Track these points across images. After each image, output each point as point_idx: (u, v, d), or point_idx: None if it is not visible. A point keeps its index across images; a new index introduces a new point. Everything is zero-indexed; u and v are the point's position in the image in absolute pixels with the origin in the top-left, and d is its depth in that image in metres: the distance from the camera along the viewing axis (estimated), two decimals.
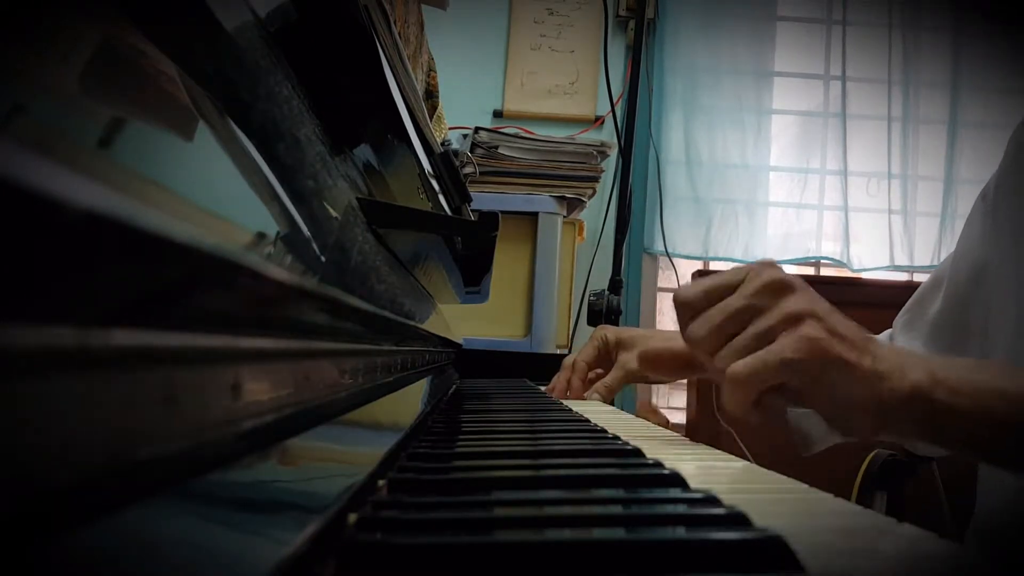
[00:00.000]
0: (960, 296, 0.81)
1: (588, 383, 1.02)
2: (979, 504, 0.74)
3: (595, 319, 1.61)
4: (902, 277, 2.40)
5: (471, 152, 1.85)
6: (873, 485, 1.13)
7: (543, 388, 1.08)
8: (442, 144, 1.02)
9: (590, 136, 2.26)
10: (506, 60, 2.40)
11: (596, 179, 1.92)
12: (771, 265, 0.57)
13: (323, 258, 0.34)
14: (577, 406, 0.83)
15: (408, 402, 0.58)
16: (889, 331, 0.89)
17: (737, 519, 0.26)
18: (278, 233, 0.28)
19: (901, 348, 0.57)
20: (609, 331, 1.04)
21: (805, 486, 0.40)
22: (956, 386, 0.51)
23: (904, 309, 0.90)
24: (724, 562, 0.23)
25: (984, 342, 0.76)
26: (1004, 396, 0.50)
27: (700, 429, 1.81)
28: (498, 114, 2.37)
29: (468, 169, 1.79)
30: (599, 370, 1.04)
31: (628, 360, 0.99)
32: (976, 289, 0.79)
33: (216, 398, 0.20)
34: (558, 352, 1.84)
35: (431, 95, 1.22)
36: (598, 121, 2.38)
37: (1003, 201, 0.76)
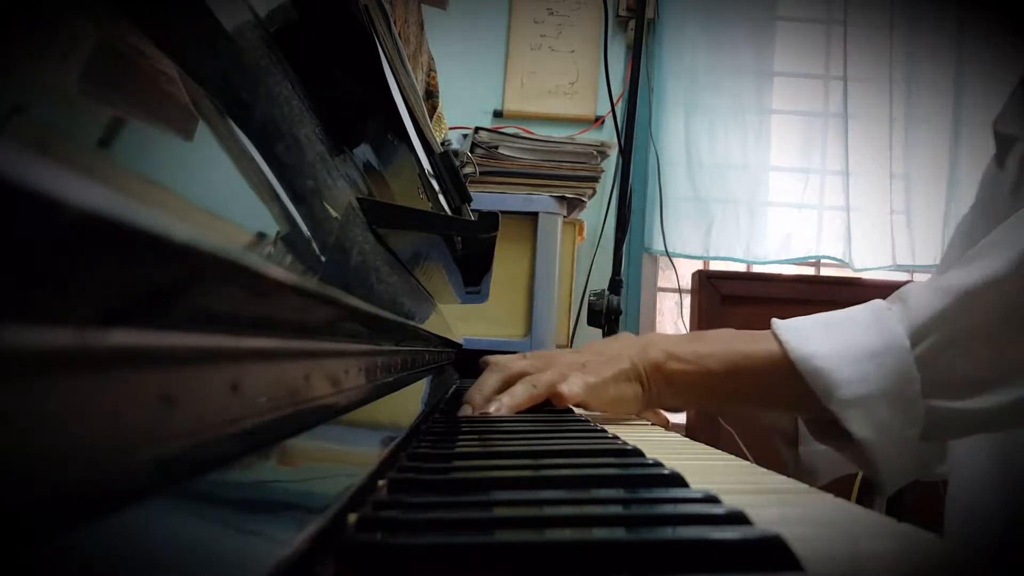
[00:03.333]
0: None
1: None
2: (951, 484, 0.78)
3: (595, 319, 1.62)
4: (903, 277, 2.40)
5: (471, 152, 1.85)
6: (873, 485, 1.13)
7: None
8: (442, 144, 1.02)
9: (590, 136, 2.26)
10: (506, 60, 2.40)
11: (596, 179, 1.92)
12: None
13: (323, 258, 0.34)
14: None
15: (408, 402, 0.58)
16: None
17: (737, 518, 0.26)
18: (278, 233, 0.28)
19: (646, 336, 0.78)
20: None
21: (805, 486, 0.40)
22: (682, 355, 0.72)
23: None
24: (724, 562, 0.23)
25: None
26: (717, 356, 0.70)
27: (700, 429, 1.81)
28: (498, 114, 2.37)
29: (468, 169, 1.79)
30: None
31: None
32: None
33: (216, 398, 0.20)
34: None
35: (431, 95, 1.22)
36: (598, 121, 2.38)
37: (979, 220, 0.81)
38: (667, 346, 0.73)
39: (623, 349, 0.74)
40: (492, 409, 0.68)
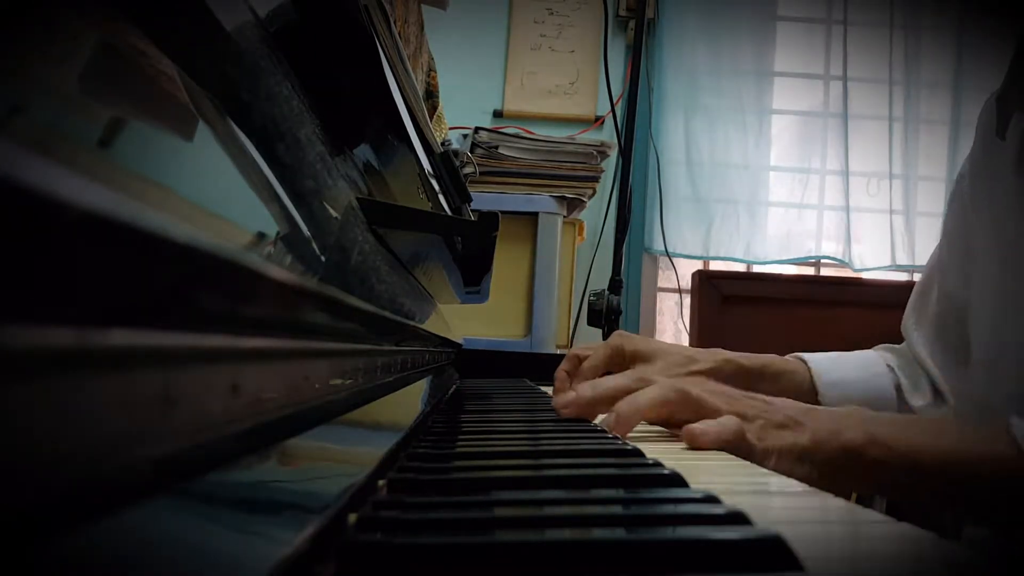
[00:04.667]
0: (953, 292, 0.81)
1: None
2: None
3: (595, 319, 1.62)
4: (903, 277, 2.40)
5: (471, 152, 1.85)
6: None
7: (543, 388, 1.07)
8: (442, 144, 1.02)
9: (590, 136, 2.26)
10: (506, 60, 2.40)
11: (596, 179, 1.92)
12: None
13: (323, 258, 0.34)
14: None
15: (408, 402, 0.58)
16: (904, 343, 0.90)
17: (737, 519, 0.26)
18: (278, 233, 0.28)
19: (839, 411, 0.63)
20: (626, 340, 0.94)
21: (805, 486, 0.40)
22: (889, 443, 0.57)
23: (908, 307, 0.90)
24: (724, 562, 0.23)
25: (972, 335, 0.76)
26: (932, 451, 0.57)
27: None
28: (498, 114, 2.37)
29: (468, 169, 1.79)
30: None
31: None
32: (967, 280, 0.79)
33: (216, 398, 0.20)
34: (558, 352, 1.84)
35: (431, 95, 1.22)
36: (598, 121, 2.38)
37: (976, 189, 0.77)
38: (870, 427, 0.58)
39: (805, 417, 0.59)
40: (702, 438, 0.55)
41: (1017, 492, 0.55)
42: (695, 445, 0.54)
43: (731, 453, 0.54)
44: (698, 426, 0.55)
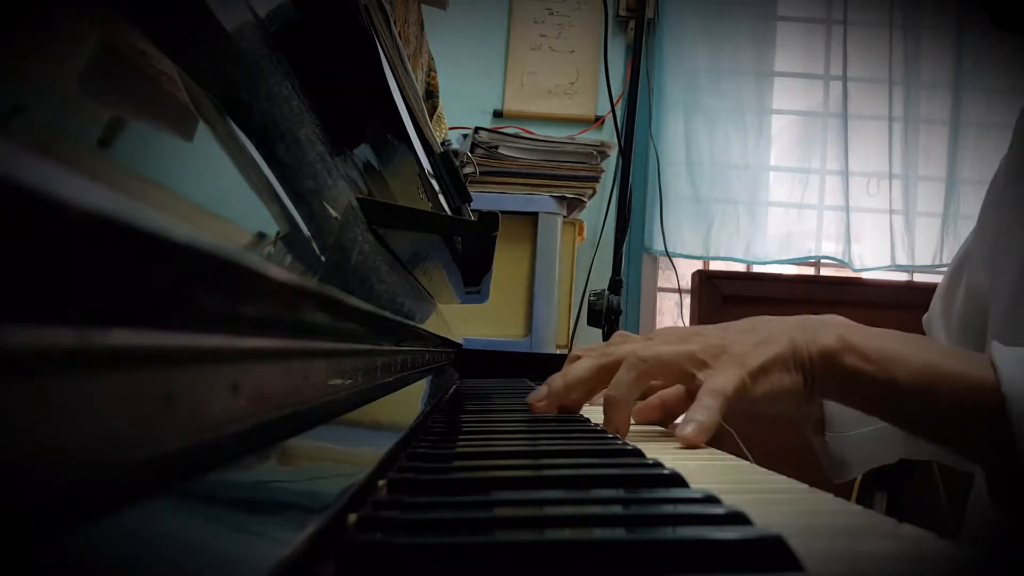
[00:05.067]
0: (979, 294, 0.79)
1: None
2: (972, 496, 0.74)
3: (595, 319, 1.62)
4: (902, 277, 2.40)
5: (471, 152, 1.85)
6: (873, 485, 1.13)
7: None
8: (442, 144, 1.02)
9: (590, 136, 2.26)
10: (506, 60, 2.40)
11: (596, 179, 1.92)
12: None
13: (323, 258, 0.34)
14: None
15: (408, 402, 0.58)
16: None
17: (737, 519, 0.26)
18: (278, 233, 0.28)
19: (814, 317, 0.62)
20: (624, 338, 0.95)
21: (805, 486, 0.40)
22: (864, 352, 0.56)
23: (935, 300, 0.87)
24: (724, 562, 0.23)
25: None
26: (909, 365, 0.55)
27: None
28: (498, 114, 2.37)
29: (468, 169, 1.79)
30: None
31: None
32: (992, 279, 0.77)
33: (216, 398, 0.20)
34: (558, 352, 1.84)
35: (431, 95, 1.22)
36: (598, 121, 2.38)
37: (1009, 187, 0.76)
38: (846, 332, 0.58)
39: (779, 327, 0.59)
40: (689, 432, 0.54)
41: (983, 417, 0.53)
42: (691, 445, 0.54)
43: (731, 409, 0.54)
44: (684, 427, 0.54)
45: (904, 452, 0.79)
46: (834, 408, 0.74)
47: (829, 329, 0.58)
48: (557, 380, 0.64)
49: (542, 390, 0.64)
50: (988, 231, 0.79)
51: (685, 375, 0.58)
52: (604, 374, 0.62)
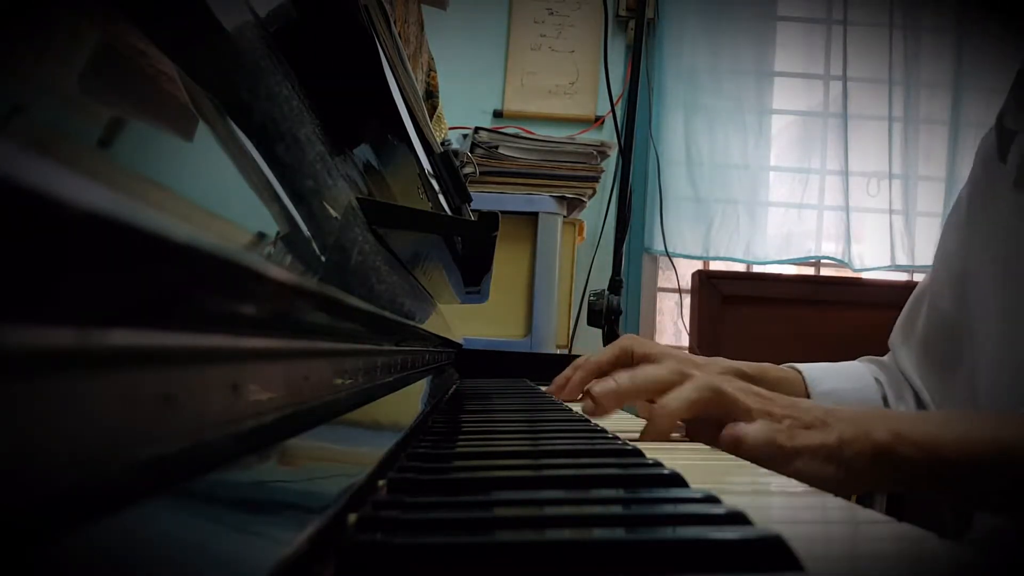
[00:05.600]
0: (944, 311, 0.83)
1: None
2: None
3: (595, 319, 1.62)
4: (902, 277, 2.40)
5: (471, 152, 1.85)
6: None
7: (543, 388, 1.07)
8: (442, 144, 1.02)
9: (590, 136, 2.26)
10: (506, 60, 2.40)
11: (596, 179, 1.92)
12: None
13: (323, 258, 0.34)
14: (577, 406, 0.83)
15: (408, 402, 0.58)
16: (888, 355, 0.91)
17: (737, 518, 0.26)
18: (278, 233, 0.28)
19: (862, 411, 0.63)
20: (636, 343, 0.95)
21: (805, 486, 0.40)
22: (916, 440, 0.57)
23: (897, 325, 0.92)
24: (724, 562, 0.23)
25: (974, 352, 0.77)
26: (957, 443, 0.57)
27: (700, 430, 1.81)
28: (498, 114, 2.37)
29: (468, 169, 1.79)
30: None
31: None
32: (960, 302, 0.80)
33: (216, 398, 0.20)
34: (558, 352, 1.84)
35: (431, 95, 1.22)
36: (598, 121, 2.38)
37: (975, 211, 0.78)
38: (894, 425, 0.58)
39: (830, 417, 0.59)
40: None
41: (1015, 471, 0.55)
42: (737, 449, 0.54)
43: (761, 455, 0.54)
44: (739, 428, 0.55)
45: None
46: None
47: (879, 423, 0.59)
48: (625, 378, 0.64)
49: (610, 383, 0.64)
50: (955, 258, 0.82)
51: (732, 420, 0.59)
52: (668, 388, 0.62)
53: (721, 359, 0.81)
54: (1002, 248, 0.73)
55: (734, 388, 0.60)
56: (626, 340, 0.89)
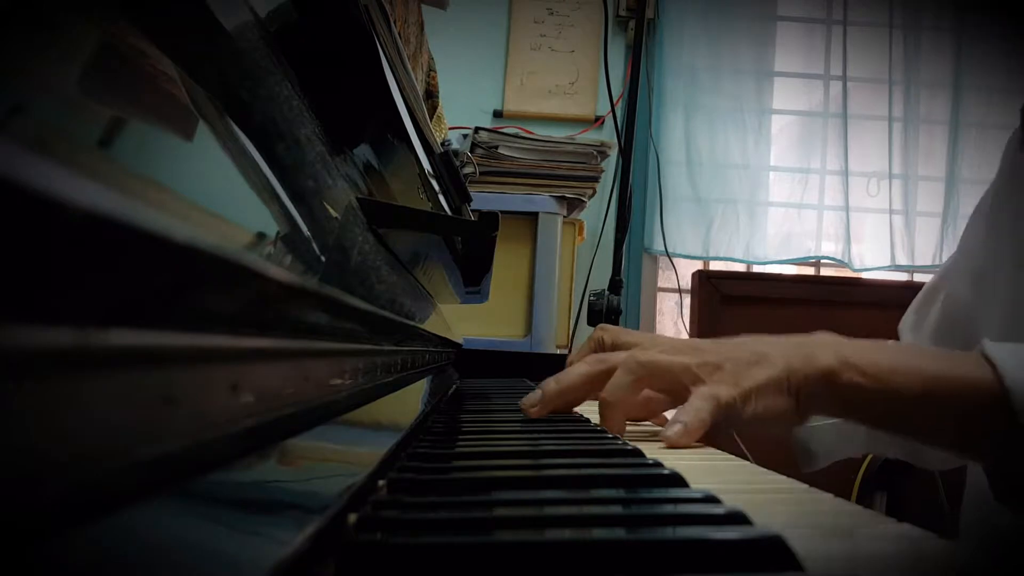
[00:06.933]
0: (960, 302, 0.82)
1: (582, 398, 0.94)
2: (968, 486, 0.75)
3: (595, 319, 1.61)
4: (902, 277, 2.40)
5: (471, 152, 1.85)
6: (873, 485, 1.13)
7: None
8: (442, 144, 1.02)
9: (590, 136, 2.26)
10: (506, 60, 2.40)
11: (596, 179, 1.92)
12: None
13: (323, 258, 0.34)
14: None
15: (408, 402, 0.58)
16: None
17: (737, 518, 0.26)
18: (278, 233, 0.28)
19: (806, 337, 0.60)
20: (608, 333, 1.01)
21: (805, 486, 0.40)
22: (863, 367, 0.55)
23: (909, 311, 0.91)
24: (724, 562, 0.23)
25: None
26: (907, 374, 0.55)
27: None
28: (498, 114, 2.37)
29: (468, 169, 1.79)
30: None
31: None
32: (977, 294, 0.79)
33: (216, 398, 0.20)
34: (558, 352, 1.84)
35: (431, 95, 1.22)
36: (598, 121, 2.38)
37: (1000, 214, 0.78)
38: (842, 350, 0.57)
39: (773, 348, 0.58)
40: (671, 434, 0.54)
41: (986, 415, 0.53)
42: (673, 446, 0.54)
43: (715, 426, 0.54)
44: (670, 428, 0.55)
45: (866, 448, 0.81)
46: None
47: (826, 349, 0.57)
48: (551, 385, 0.64)
49: (536, 395, 0.65)
50: (976, 248, 0.81)
51: (678, 386, 0.58)
52: (598, 381, 0.62)
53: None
54: (1021, 239, 0.73)
55: (664, 354, 0.59)
56: (597, 332, 0.90)
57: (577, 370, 0.64)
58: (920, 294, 0.90)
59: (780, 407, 0.56)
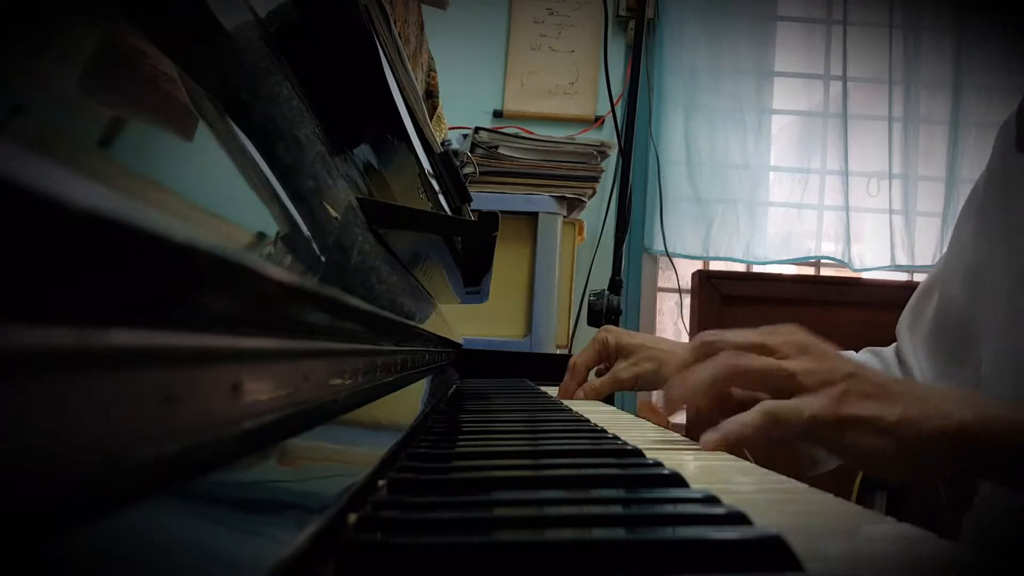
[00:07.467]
0: (954, 301, 0.82)
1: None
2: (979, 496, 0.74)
3: (595, 319, 1.61)
4: (902, 277, 2.40)
5: (471, 152, 1.85)
6: (873, 485, 1.13)
7: (543, 388, 1.08)
8: (442, 144, 1.02)
9: (590, 136, 2.26)
10: (506, 60, 2.40)
11: (596, 179, 1.92)
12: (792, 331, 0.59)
13: (323, 258, 0.34)
14: (577, 406, 0.83)
15: (408, 402, 0.58)
16: (894, 345, 0.90)
17: (737, 518, 0.26)
18: (278, 233, 0.28)
19: (935, 388, 0.56)
20: (612, 334, 1.01)
21: (805, 486, 0.40)
22: (1006, 426, 0.51)
23: (906, 311, 0.91)
24: (724, 562, 0.23)
25: (981, 345, 0.77)
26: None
27: (700, 429, 1.81)
28: (498, 114, 2.37)
29: (468, 169, 1.79)
30: (603, 365, 1.03)
31: (622, 370, 0.98)
32: (971, 292, 0.79)
33: (216, 398, 0.20)
34: (558, 352, 1.84)
35: (431, 95, 1.22)
36: (598, 121, 2.38)
37: (991, 201, 0.77)
38: (982, 408, 0.52)
39: (898, 388, 0.53)
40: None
41: None
42: (706, 449, 0.53)
43: (771, 439, 0.52)
44: (712, 432, 0.53)
45: None
46: None
47: (962, 402, 0.53)
48: (676, 388, 0.59)
49: (674, 392, 0.59)
50: (968, 246, 0.81)
51: (783, 394, 0.54)
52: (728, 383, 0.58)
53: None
54: (1017, 241, 0.72)
55: (775, 345, 0.55)
56: (601, 333, 0.90)
57: (704, 373, 0.58)
58: (915, 294, 0.90)
59: (880, 451, 0.52)
